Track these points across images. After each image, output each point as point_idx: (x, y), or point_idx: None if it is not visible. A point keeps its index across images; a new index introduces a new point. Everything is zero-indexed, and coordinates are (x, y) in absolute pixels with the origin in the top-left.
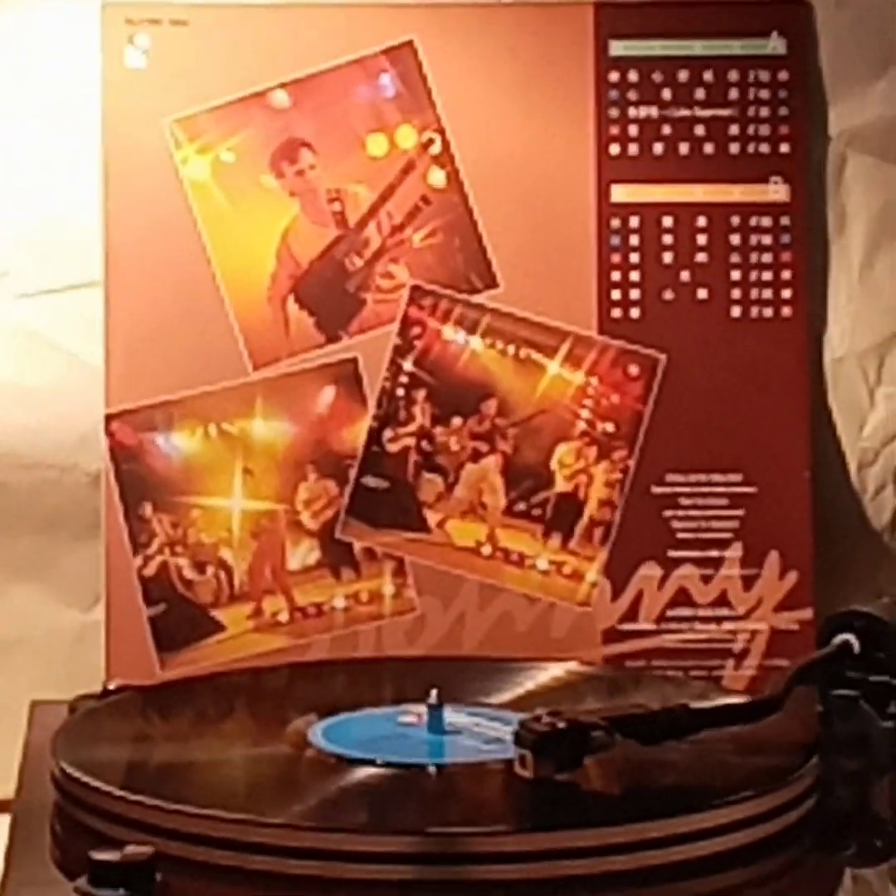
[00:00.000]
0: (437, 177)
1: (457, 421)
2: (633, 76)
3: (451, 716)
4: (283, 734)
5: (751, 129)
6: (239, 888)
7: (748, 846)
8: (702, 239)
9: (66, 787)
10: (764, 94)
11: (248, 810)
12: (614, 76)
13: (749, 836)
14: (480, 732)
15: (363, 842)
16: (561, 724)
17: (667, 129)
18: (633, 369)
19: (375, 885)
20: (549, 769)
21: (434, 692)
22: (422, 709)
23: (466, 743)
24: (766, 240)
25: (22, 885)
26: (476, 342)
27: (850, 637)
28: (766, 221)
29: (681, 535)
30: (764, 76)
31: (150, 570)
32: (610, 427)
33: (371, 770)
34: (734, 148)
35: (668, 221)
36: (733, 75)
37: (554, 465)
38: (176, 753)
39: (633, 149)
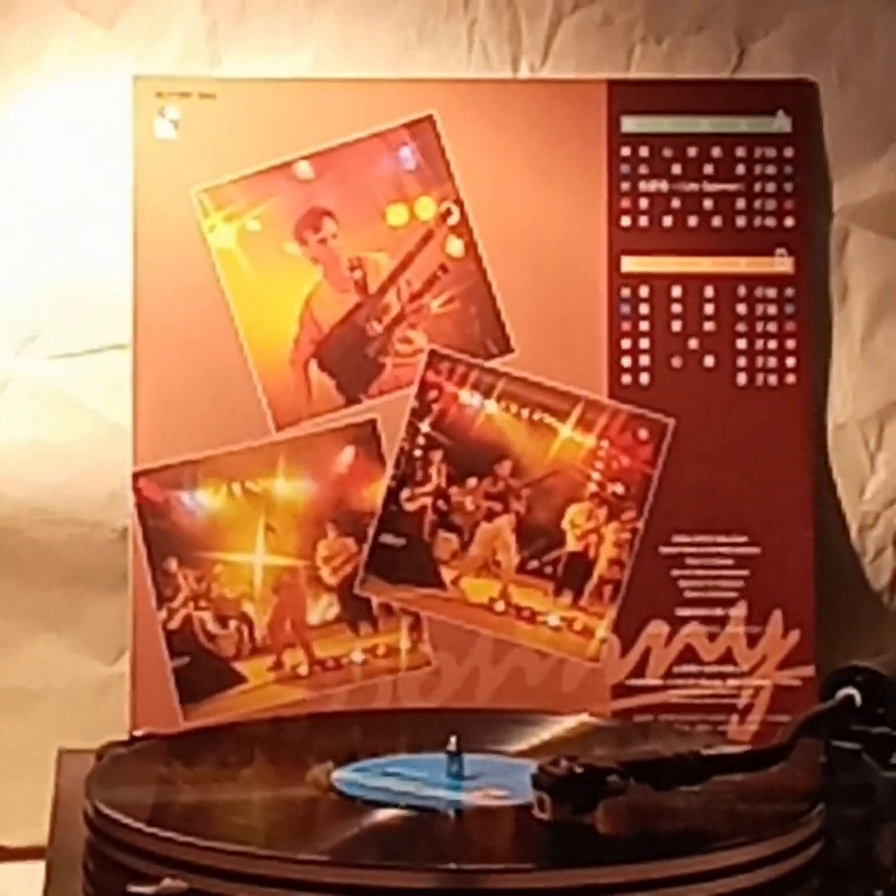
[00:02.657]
0: (455, 246)
1: (472, 481)
2: (643, 151)
3: (468, 763)
4: (305, 779)
5: (757, 204)
6: None
7: (754, 889)
8: (709, 308)
9: (100, 826)
10: (770, 169)
11: (274, 848)
12: (626, 151)
13: (755, 878)
14: (498, 778)
15: (386, 877)
16: (578, 769)
17: (676, 203)
18: (643, 433)
19: None
20: (566, 811)
21: (453, 739)
22: (440, 756)
23: (485, 788)
24: (772, 310)
25: None
26: (491, 405)
27: (852, 691)
28: (772, 292)
29: (688, 594)
30: (770, 153)
31: (174, 623)
32: (620, 489)
33: (393, 812)
34: (741, 221)
35: (676, 291)
36: (740, 151)
37: (565, 524)
38: (204, 795)
39: (643, 221)
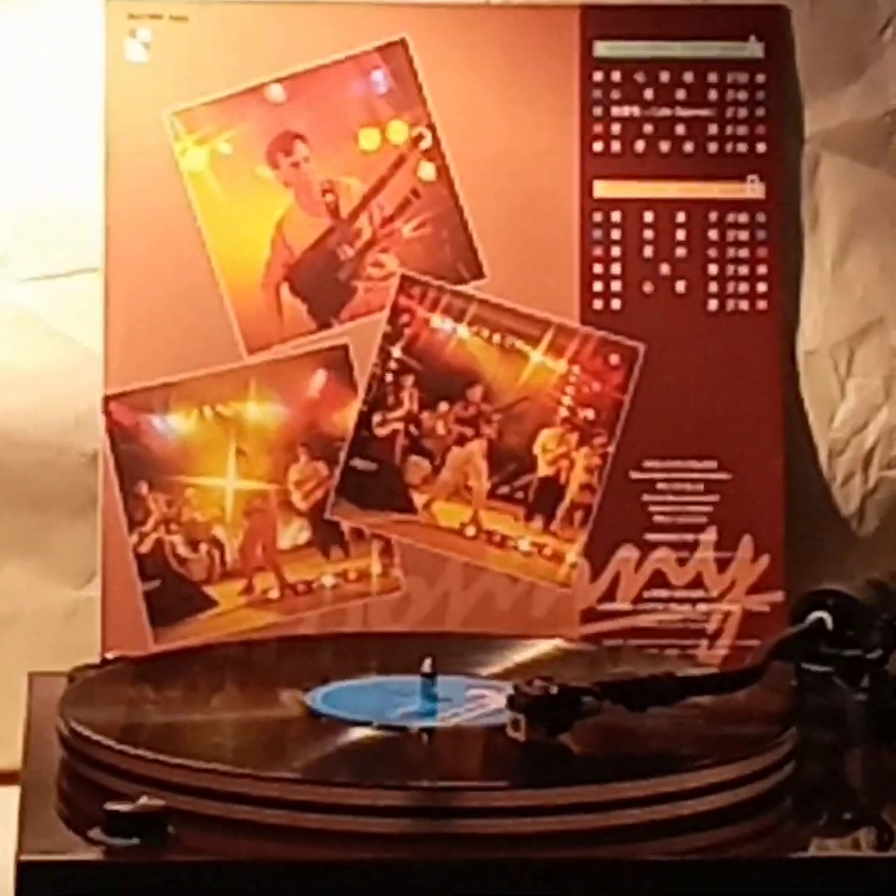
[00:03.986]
0: (427, 171)
1: (443, 406)
2: (616, 76)
3: (441, 685)
4: (280, 700)
5: (729, 129)
6: (242, 839)
7: (726, 809)
8: (681, 234)
9: (75, 746)
10: (742, 95)
11: (250, 766)
12: (598, 76)
13: (727, 799)
14: (470, 700)
15: (358, 795)
16: (553, 690)
17: (648, 128)
18: (614, 359)
19: (371, 837)
20: (541, 732)
21: (428, 661)
22: (414, 678)
23: (458, 709)
24: (743, 236)
25: (36, 841)
26: (463, 330)
27: (823, 614)
28: (743, 218)
29: (658, 519)
30: (742, 78)
31: (145, 547)
32: (591, 414)
33: (368, 731)
34: (713, 147)
35: (648, 217)
36: (712, 77)
37: (536, 450)
38: (178, 716)
39: (615, 146)
